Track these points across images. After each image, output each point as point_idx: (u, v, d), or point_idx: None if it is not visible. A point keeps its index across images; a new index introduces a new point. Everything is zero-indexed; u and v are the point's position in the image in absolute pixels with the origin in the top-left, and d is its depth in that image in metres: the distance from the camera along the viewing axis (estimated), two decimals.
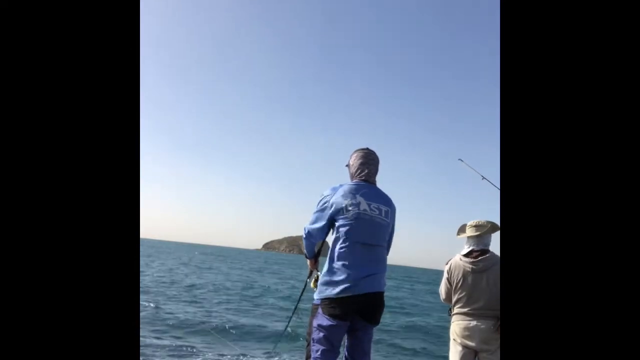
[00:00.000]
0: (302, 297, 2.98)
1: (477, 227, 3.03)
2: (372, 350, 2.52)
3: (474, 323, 2.89)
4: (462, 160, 3.63)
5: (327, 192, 2.50)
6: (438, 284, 3.29)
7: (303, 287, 2.82)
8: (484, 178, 3.43)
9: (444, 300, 3.15)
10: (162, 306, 10.07)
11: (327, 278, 2.36)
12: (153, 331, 7.49)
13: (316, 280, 2.58)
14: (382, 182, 2.63)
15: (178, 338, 7.30)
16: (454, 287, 3.03)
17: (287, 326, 3.57)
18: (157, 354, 6.07)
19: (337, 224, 2.42)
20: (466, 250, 3.05)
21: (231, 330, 8.44)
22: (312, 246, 2.61)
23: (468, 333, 2.90)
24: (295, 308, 3.20)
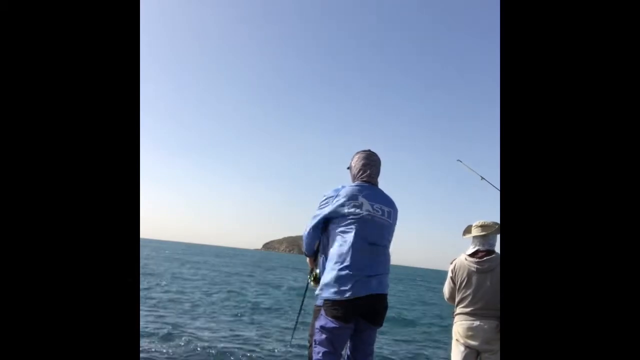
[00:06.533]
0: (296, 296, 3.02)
1: (483, 227, 3.02)
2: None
3: (477, 323, 2.89)
4: (460, 161, 3.63)
5: (329, 192, 2.50)
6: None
7: (306, 285, 2.84)
8: (483, 179, 3.42)
9: (447, 299, 3.15)
10: None
11: (329, 279, 2.35)
12: None
13: (315, 278, 2.60)
14: (382, 182, 2.65)
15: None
16: (457, 287, 3.03)
17: (295, 325, 3.60)
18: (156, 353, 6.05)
19: (339, 224, 2.41)
20: (472, 250, 3.04)
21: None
22: (312, 245, 2.63)
23: (471, 333, 2.90)
24: (301, 307, 3.24)
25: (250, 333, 7.99)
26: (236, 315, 9.97)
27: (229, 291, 14.96)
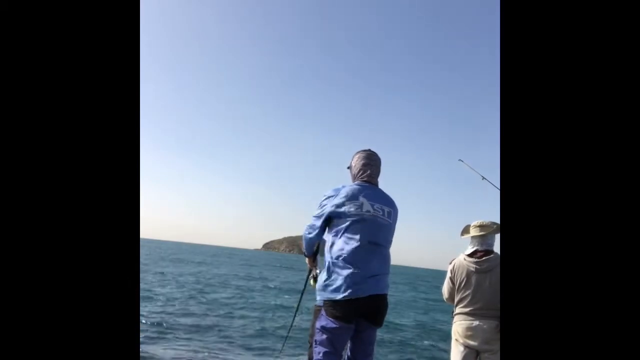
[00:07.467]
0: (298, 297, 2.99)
1: (481, 227, 3.03)
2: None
3: (476, 323, 2.89)
4: (462, 161, 3.64)
5: (329, 192, 2.49)
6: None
7: (304, 286, 2.83)
8: (484, 178, 3.43)
9: (446, 299, 3.16)
10: None
11: (329, 279, 2.34)
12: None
13: (315, 279, 2.59)
14: (382, 182, 2.64)
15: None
16: (457, 287, 3.04)
17: (290, 327, 3.55)
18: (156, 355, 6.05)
19: (339, 224, 2.41)
20: (470, 250, 3.05)
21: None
22: (312, 245, 2.62)
23: (471, 333, 2.91)
24: (297, 307, 3.19)
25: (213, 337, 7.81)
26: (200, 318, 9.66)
27: (200, 290, 14.70)
